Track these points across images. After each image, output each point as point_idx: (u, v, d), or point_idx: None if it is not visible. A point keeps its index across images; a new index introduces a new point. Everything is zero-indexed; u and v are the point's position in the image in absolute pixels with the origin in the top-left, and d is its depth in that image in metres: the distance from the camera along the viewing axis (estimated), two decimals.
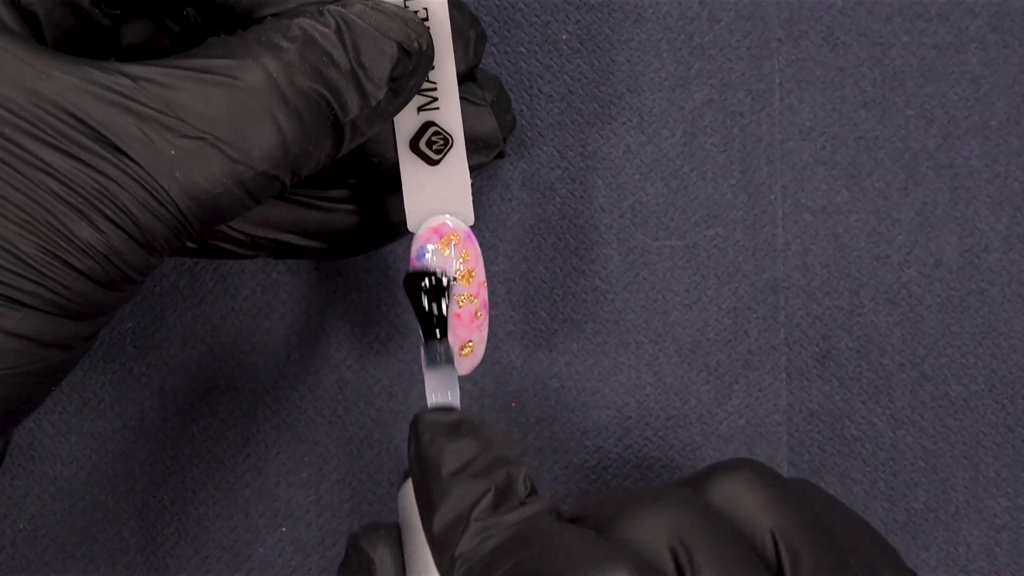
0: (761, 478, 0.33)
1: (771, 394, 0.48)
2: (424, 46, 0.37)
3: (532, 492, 0.34)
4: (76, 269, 0.34)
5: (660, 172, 0.47)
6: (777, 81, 0.47)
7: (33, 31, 0.36)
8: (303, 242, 0.43)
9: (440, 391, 0.38)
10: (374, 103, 0.36)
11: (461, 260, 0.41)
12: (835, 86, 0.47)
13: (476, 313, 0.41)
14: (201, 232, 0.36)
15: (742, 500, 0.33)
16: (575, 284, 0.47)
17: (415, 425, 0.35)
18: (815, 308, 0.48)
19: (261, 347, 0.47)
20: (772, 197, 0.47)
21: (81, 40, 0.37)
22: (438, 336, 0.40)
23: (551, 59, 0.47)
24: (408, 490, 0.36)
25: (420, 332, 0.40)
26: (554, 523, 0.32)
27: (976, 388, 0.48)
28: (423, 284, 0.41)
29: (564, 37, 0.47)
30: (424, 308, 0.40)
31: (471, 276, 0.41)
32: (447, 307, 0.40)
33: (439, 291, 0.40)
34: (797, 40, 0.47)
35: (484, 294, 0.42)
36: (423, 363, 0.39)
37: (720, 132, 0.47)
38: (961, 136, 0.47)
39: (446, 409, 0.37)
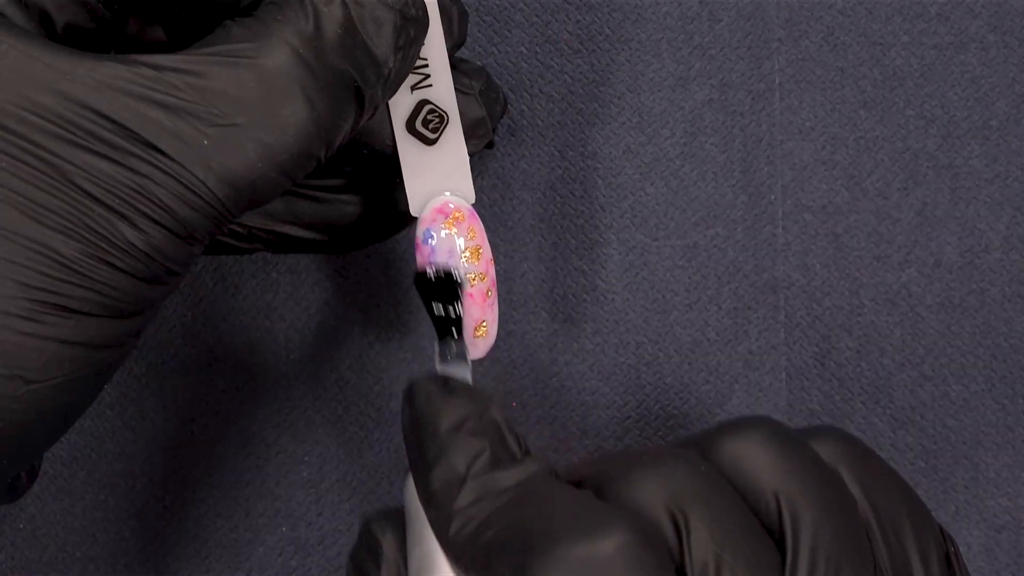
0: (770, 437, 0.32)
1: (771, 394, 0.48)
2: (421, 13, 0.37)
3: (527, 452, 0.33)
4: (120, 269, 0.34)
5: (660, 172, 0.47)
6: (777, 81, 0.47)
7: (44, 26, 0.36)
8: (302, 233, 0.42)
9: None
10: (387, 71, 0.36)
11: (468, 237, 0.41)
12: (835, 86, 0.47)
13: (487, 292, 0.41)
14: (238, 216, 0.36)
15: (749, 461, 0.32)
16: (575, 284, 0.47)
17: (410, 390, 0.35)
18: (815, 308, 0.48)
19: (261, 347, 0.47)
20: (772, 197, 0.47)
21: (86, 32, 0.37)
22: (454, 336, 0.39)
23: (551, 59, 0.47)
24: (412, 483, 0.35)
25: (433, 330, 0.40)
26: (551, 484, 0.32)
27: (976, 388, 0.48)
28: (434, 283, 0.40)
29: (564, 37, 0.47)
30: (436, 310, 0.39)
31: (479, 253, 0.41)
32: (461, 307, 0.39)
33: (452, 289, 0.39)
34: (797, 40, 0.47)
35: (492, 272, 0.41)
36: (436, 361, 0.39)
37: (720, 132, 0.47)
38: (961, 136, 0.47)
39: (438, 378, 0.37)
